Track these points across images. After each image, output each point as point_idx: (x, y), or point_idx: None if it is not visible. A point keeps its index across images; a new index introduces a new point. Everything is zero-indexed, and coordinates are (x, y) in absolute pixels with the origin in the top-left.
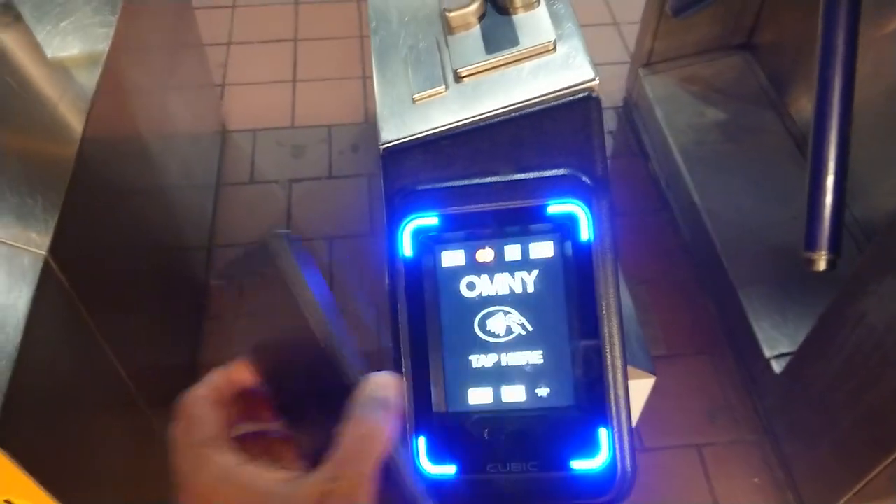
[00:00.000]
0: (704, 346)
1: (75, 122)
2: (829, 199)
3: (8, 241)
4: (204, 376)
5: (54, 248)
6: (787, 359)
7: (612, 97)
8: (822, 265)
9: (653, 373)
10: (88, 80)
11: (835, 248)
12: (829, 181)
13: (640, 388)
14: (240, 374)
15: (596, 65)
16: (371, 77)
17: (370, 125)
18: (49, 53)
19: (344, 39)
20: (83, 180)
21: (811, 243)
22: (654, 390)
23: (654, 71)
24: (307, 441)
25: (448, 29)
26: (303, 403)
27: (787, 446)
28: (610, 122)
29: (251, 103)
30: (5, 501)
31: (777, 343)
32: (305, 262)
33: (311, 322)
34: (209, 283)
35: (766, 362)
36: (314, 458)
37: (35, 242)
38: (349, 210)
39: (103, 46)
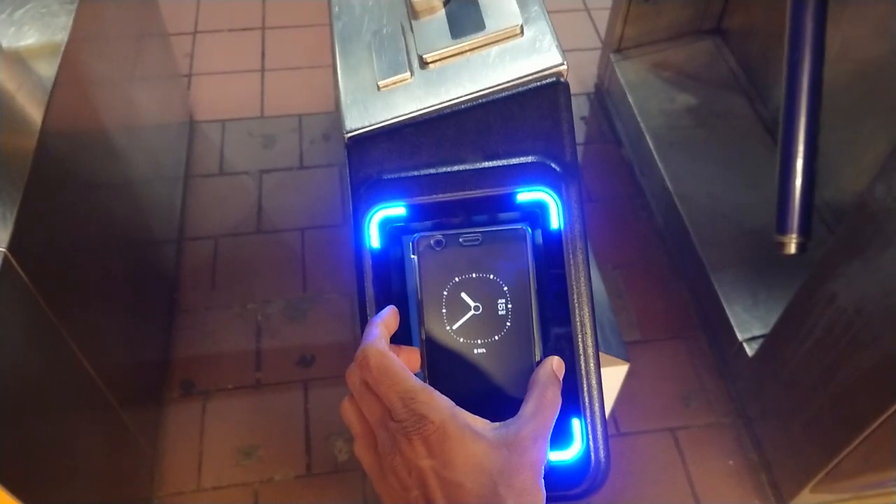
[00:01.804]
0: (678, 330)
1: (34, 113)
2: (799, 182)
3: None
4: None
5: (14, 245)
6: (760, 342)
7: (584, 83)
8: (792, 248)
9: (626, 359)
10: (47, 70)
11: (805, 231)
12: (799, 165)
13: (614, 375)
14: (396, 320)
15: (567, 51)
16: None
17: (341, 124)
18: (4, 43)
19: (313, 27)
20: (44, 174)
21: (782, 226)
22: (629, 375)
23: (625, 56)
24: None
25: (413, 13)
26: (461, 359)
27: (760, 428)
28: (582, 108)
29: (219, 93)
30: None
31: (749, 326)
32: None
33: (529, 302)
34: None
35: (739, 345)
36: None
37: None
38: (321, 200)
39: (62, 36)
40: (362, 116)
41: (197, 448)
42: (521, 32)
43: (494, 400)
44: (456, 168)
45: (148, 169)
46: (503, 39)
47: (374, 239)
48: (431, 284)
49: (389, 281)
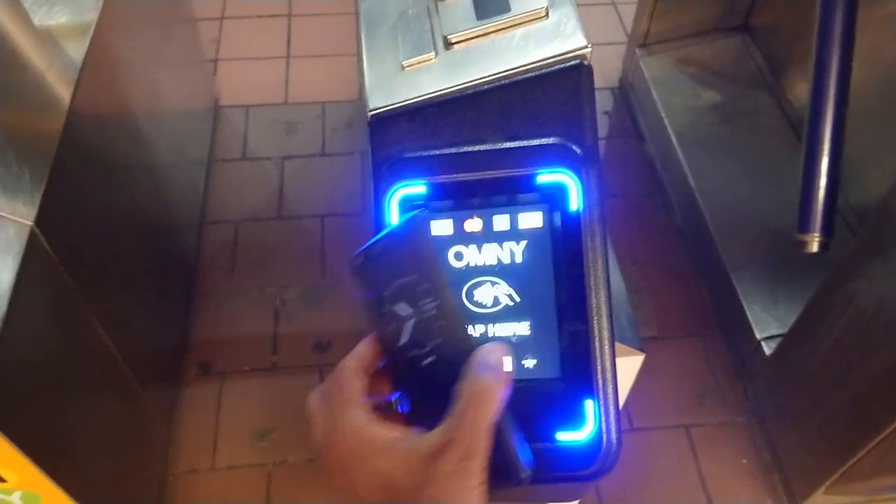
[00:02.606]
0: (695, 328)
1: (63, 93)
2: (822, 181)
3: None
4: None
5: (41, 219)
6: (777, 341)
7: (608, 78)
8: (814, 247)
9: (642, 350)
10: (76, 51)
11: (827, 230)
12: (824, 164)
13: (629, 366)
14: (375, 346)
15: (592, 45)
16: None
17: (364, 103)
18: (36, 21)
19: (338, 16)
20: (70, 153)
21: (804, 225)
22: (644, 371)
23: (650, 52)
24: (423, 415)
25: None
26: (420, 370)
27: (774, 428)
28: (605, 102)
29: (244, 79)
30: None
31: (767, 325)
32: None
33: (447, 288)
34: (351, 260)
35: (757, 344)
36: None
37: (21, 213)
38: (342, 188)
39: (92, 16)
40: (386, 95)
41: (212, 428)
42: (546, 15)
43: None
44: (477, 148)
45: (172, 152)
46: (528, 22)
47: (394, 217)
48: (372, 304)
49: None
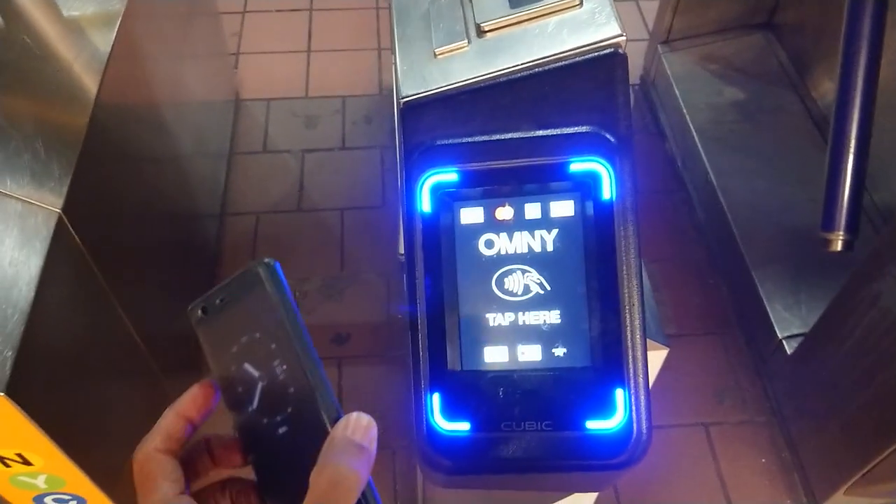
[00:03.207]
0: (715, 326)
1: (90, 83)
2: (848, 179)
3: (22, 198)
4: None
5: (68, 207)
6: (799, 340)
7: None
8: (838, 246)
9: (666, 345)
10: (103, 42)
11: (852, 228)
12: (850, 161)
13: (653, 360)
14: (196, 405)
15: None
16: (386, 49)
17: (384, 97)
18: (65, 13)
19: (359, 10)
20: (97, 142)
21: (828, 223)
22: (663, 368)
23: (672, 48)
24: (277, 491)
25: None
26: (273, 441)
27: (794, 428)
28: None
29: (265, 73)
30: (17, 455)
31: (789, 324)
32: (288, 290)
33: (298, 351)
34: (189, 312)
35: (778, 343)
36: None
37: (49, 200)
38: (362, 181)
39: (119, 7)
40: (418, 82)
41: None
42: (581, 4)
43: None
44: (509, 136)
45: (194, 144)
46: (562, 10)
47: (425, 203)
48: (217, 361)
49: (439, 245)
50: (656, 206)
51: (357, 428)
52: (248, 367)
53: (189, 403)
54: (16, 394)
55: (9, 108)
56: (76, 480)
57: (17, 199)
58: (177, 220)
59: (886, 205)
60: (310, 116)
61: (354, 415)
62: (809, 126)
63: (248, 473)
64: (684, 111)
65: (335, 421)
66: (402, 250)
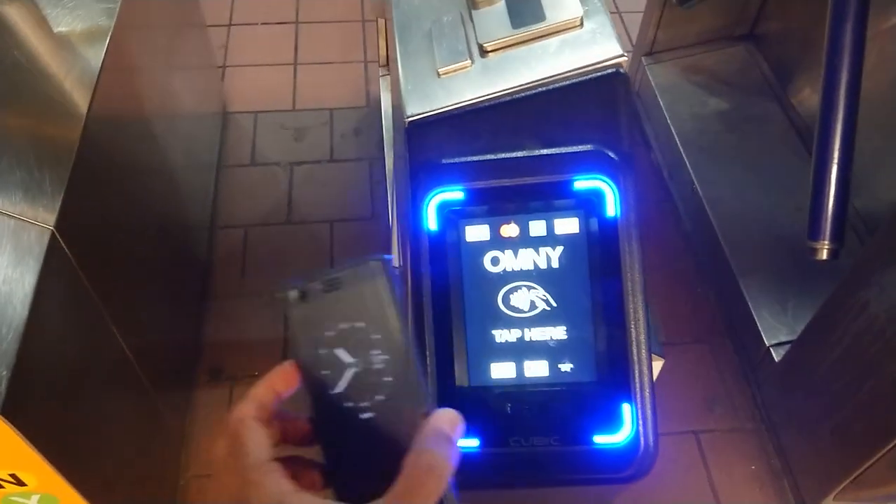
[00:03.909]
0: (703, 334)
1: (81, 97)
2: (833, 188)
3: (15, 215)
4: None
5: (61, 223)
6: (787, 347)
7: None
8: (824, 254)
9: (661, 356)
10: (94, 55)
11: (838, 237)
12: (834, 171)
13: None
14: (285, 381)
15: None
16: (373, 61)
17: (372, 109)
18: (55, 28)
19: (346, 23)
20: (88, 157)
21: (815, 232)
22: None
23: (656, 60)
24: (345, 474)
25: (472, 4)
26: (352, 425)
27: (784, 434)
28: None
29: (252, 85)
30: (10, 476)
31: (777, 332)
32: (398, 287)
33: (404, 345)
34: (273, 291)
35: (766, 351)
36: (347, 487)
37: (42, 217)
38: (351, 194)
39: (109, 22)
40: (423, 102)
41: None
42: (581, 24)
43: (394, 469)
44: (514, 154)
45: (183, 157)
46: (564, 30)
47: (431, 221)
48: (305, 343)
49: (445, 263)
50: (643, 215)
51: (451, 422)
52: (341, 352)
53: (278, 378)
54: (12, 414)
55: (1, 123)
56: (70, 499)
57: (9, 216)
58: (167, 234)
59: (869, 212)
60: (298, 129)
61: (447, 409)
62: (792, 135)
63: (309, 454)
64: (669, 122)
65: (427, 414)
66: (395, 263)
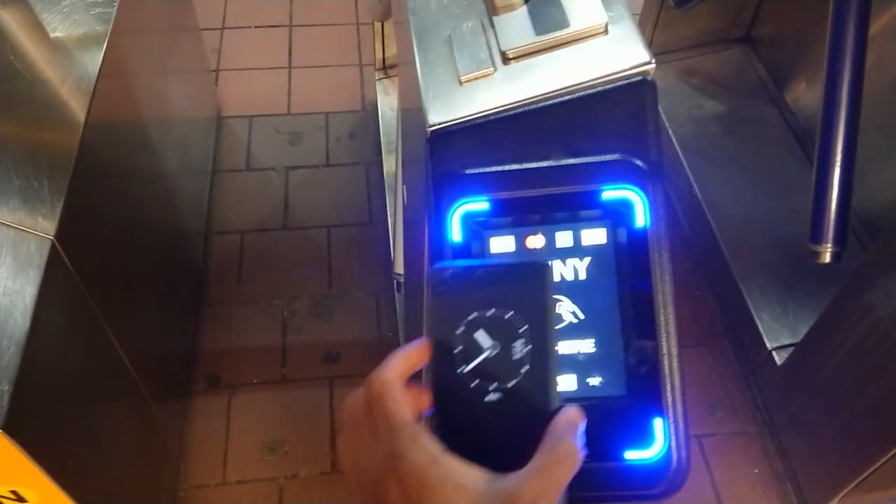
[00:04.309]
0: (703, 337)
1: (78, 104)
2: (835, 192)
3: (15, 225)
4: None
5: (61, 233)
6: (789, 350)
7: None
8: (827, 257)
9: None
10: (91, 61)
11: (840, 240)
12: (836, 174)
13: None
14: (420, 354)
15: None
16: (368, 65)
17: (368, 113)
18: (51, 33)
19: (340, 26)
20: (87, 165)
21: (817, 236)
22: None
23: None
24: (454, 446)
25: (492, 10)
26: (473, 406)
27: (787, 437)
28: None
29: (246, 89)
30: (11, 492)
31: (778, 335)
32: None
33: (551, 340)
34: (436, 269)
35: (768, 354)
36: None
37: (42, 226)
38: (347, 198)
39: (105, 27)
40: (445, 111)
41: (222, 442)
42: (606, 31)
43: (509, 451)
44: (540, 164)
45: (178, 163)
46: (588, 37)
47: (455, 233)
48: (443, 320)
49: None
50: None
51: (575, 416)
52: (480, 335)
53: (415, 351)
54: (14, 430)
55: None
56: None
57: (9, 226)
58: (163, 241)
59: (868, 213)
60: (293, 133)
61: (576, 407)
62: (789, 137)
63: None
64: (667, 125)
65: (556, 409)
66: (397, 269)
